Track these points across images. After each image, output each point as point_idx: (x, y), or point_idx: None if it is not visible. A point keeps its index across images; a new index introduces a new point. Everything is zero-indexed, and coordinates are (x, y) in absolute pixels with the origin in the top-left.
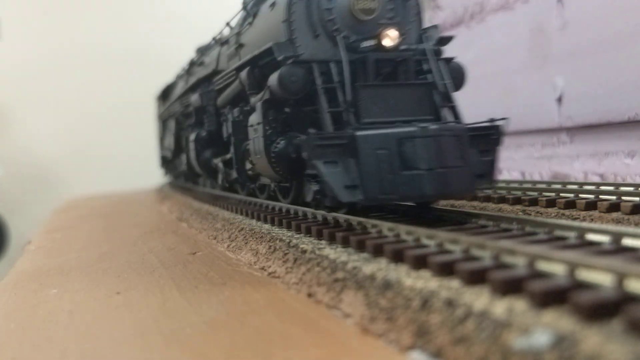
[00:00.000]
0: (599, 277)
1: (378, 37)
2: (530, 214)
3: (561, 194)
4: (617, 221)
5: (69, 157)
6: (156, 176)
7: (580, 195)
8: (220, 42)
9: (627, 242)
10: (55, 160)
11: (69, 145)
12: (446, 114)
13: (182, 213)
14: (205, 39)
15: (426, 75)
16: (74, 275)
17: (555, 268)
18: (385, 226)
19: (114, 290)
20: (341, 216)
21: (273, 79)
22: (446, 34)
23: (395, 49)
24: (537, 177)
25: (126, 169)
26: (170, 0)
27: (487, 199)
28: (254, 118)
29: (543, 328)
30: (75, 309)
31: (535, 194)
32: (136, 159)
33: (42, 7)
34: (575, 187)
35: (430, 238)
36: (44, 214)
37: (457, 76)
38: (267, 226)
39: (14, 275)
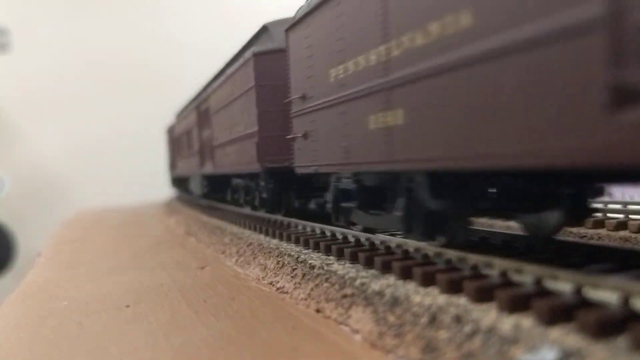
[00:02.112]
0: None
1: None
2: None
3: None
4: (625, 239)
5: (77, 170)
6: (164, 190)
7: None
8: None
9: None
10: (62, 172)
11: (77, 157)
12: None
13: (189, 227)
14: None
15: None
16: (84, 288)
17: (562, 286)
18: (393, 242)
19: (123, 303)
20: (350, 232)
21: None
22: None
23: None
24: None
25: (134, 182)
26: (189, 19)
27: None
28: None
29: (550, 344)
30: (85, 320)
31: None
32: (144, 172)
33: (53, 19)
34: None
35: (438, 256)
36: (51, 226)
37: None
38: (275, 241)
39: (25, 286)
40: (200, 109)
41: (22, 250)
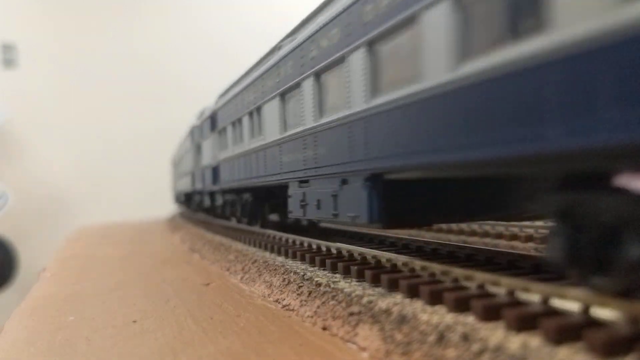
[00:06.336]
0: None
1: None
2: None
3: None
4: None
5: (81, 186)
6: (167, 207)
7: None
8: None
9: None
10: (66, 188)
11: (82, 174)
12: None
13: (194, 244)
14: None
15: None
16: (90, 303)
17: (569, 305)
18: (399, 261)
19: (130, 319)
20: (356, 249)
21: None
22: None
23: None
24: None
25: (138, 198)
26: (196, 34)
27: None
28: None
29: None
30: (92, 335)
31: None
32: (148, 189)
33: (59, 35)
34: None
35: (445, 274)
36: (54, 241)
37: None
38: (280, 258)
39: (31, 301)
40: None
41: (24, 265)
